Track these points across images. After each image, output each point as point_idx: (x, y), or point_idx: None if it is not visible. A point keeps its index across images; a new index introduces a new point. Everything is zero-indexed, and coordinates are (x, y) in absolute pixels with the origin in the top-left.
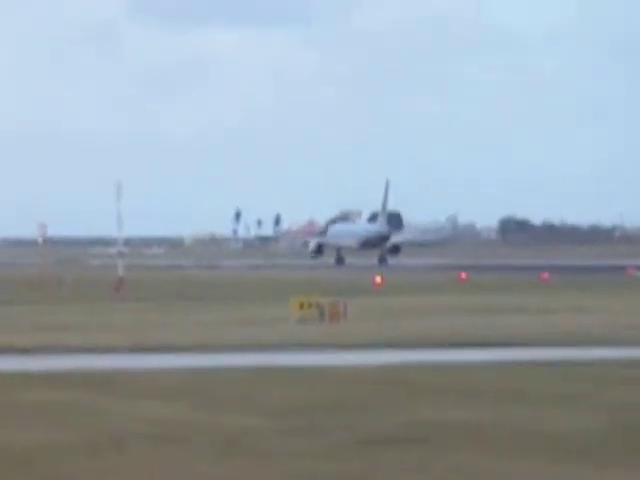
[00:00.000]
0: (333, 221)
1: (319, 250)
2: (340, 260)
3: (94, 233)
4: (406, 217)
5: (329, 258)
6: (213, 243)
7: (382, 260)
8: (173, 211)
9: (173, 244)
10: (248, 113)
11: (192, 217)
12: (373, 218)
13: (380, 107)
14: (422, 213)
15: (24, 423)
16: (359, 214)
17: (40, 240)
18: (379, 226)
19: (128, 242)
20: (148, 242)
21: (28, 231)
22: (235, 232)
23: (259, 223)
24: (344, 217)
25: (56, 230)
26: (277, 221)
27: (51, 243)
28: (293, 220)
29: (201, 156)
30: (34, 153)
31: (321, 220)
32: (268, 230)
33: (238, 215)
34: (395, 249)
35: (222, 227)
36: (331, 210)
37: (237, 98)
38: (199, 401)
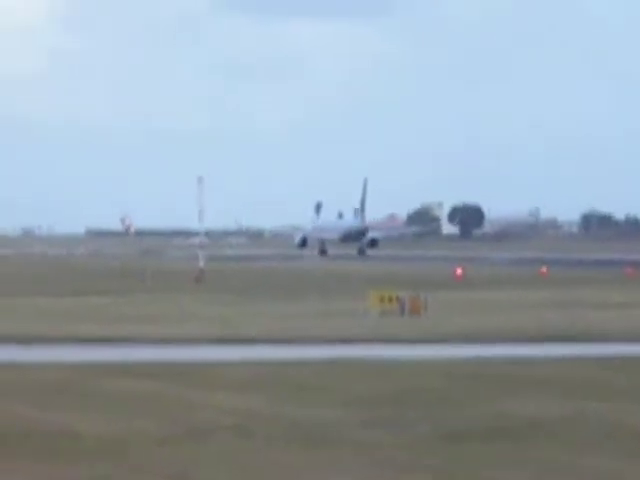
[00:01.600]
0: (413, 216)
1: (303, 242)
2: (323, 252)
3: (177, 225)
4: (487, 211)
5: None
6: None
7: (361, 252)
8: (254, 203)
9: (254, 236)
10: (331, 106)
11: (273, 209)
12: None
13: (467, 98)
14: (504, 207)
15: (107, 413)
16: (440, 206)
17: (131, 230)
18: (358, 222)
19: (209, 234)
20: (229, 234)
21: (112, 222)
22: (315, 223)
23: (340, 215)
24: (425, 210)
25: (140, 222)
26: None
27: (135, 234)
28: (373, 213)
29: (283, 148)
30: (121, 147)
31: (402, 214)
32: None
33: (319, 207)
34: (373, 242)
35: (303, 219)
36: (412, 203)
37: (318, 91)
38: (281, 393)
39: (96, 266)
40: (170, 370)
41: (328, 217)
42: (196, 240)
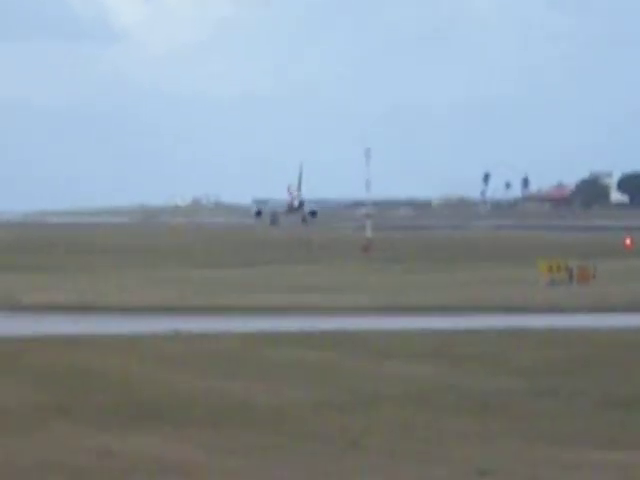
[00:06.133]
0: (581, 185)
1: (259, 213)
2: (274, 221)
3: (344, 196)
4: None
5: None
6: (461, 205)
7: (304, 220)
8: (422, 173)
9: (421, 206)
10: (496, 79)
11: (441, 179)
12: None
13: (633, 67)
14: None
15: (275, 381)
16: (609, 175)
17: (295, 203)
18: (297, 198)
19: (377, 204)
20: (396, 204)
21: (278, 192)
22: (483, 194)
23: (507, 185)
24: (593, 179)
25: (306, 193)
26: (525, 183)
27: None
28: (541, 182)
29: (450, 121)
30: (287, 118)
31: (571, 183)
32: (516, 192)
33: (487, 177)
34: (313, 213)
35: (471, 189)
36: (580, 172)
37: (484, 63)
38: (449, 362)
39: (264, 235)
40: (338, 339)
41: (495, 187)
42: (363, 210)
